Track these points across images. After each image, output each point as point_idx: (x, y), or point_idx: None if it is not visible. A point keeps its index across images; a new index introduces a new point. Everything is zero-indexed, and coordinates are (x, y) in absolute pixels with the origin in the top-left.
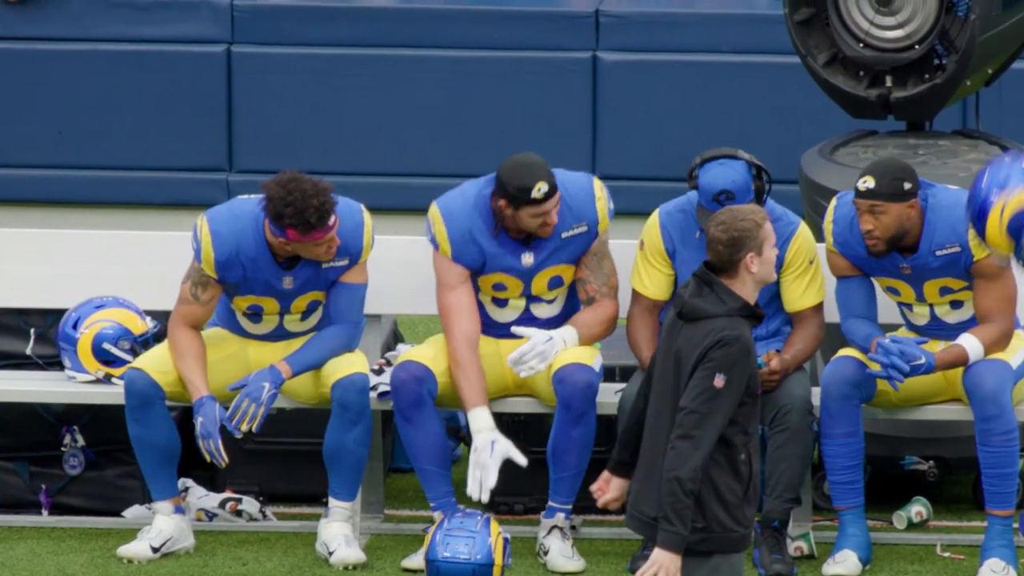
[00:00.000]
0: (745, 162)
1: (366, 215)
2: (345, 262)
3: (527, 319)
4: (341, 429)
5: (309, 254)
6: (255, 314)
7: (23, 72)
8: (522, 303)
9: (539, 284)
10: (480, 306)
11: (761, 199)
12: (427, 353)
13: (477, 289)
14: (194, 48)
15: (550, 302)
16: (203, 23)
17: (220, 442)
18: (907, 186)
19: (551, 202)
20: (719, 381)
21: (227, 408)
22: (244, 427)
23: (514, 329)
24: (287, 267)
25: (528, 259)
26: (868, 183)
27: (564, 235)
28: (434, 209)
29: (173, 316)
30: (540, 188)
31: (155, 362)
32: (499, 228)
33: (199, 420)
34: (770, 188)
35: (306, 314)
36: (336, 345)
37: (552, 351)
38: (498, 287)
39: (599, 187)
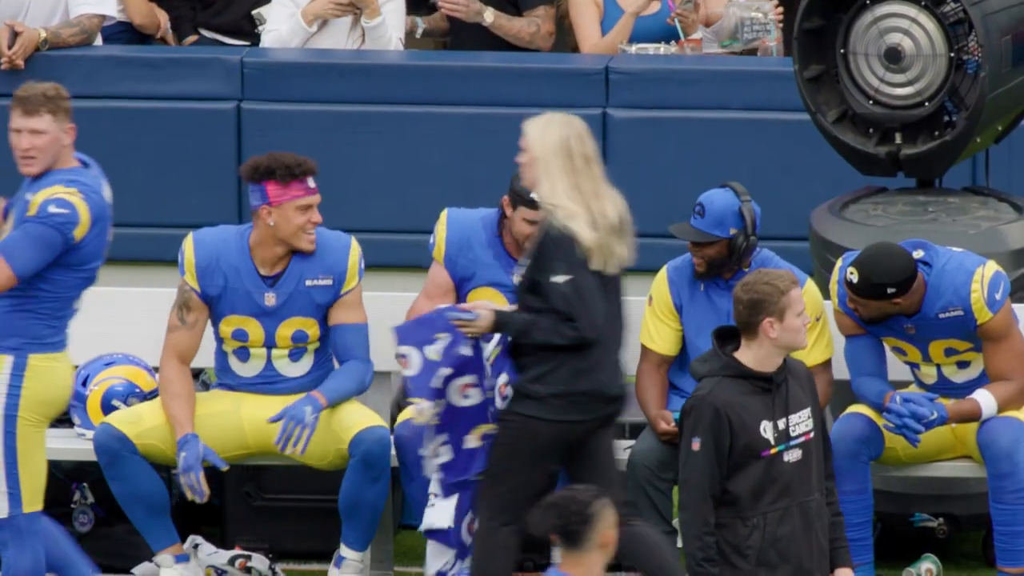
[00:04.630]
0: (733, 192)
1: (354, 242)
2: (329, 281)
3: None
4: (362, 484)
5: (290, 226)
6: (242, 348)
7: None
8: None
9: None
10: None
11: (746, 246)
12: None
13: None
14: (204, 105)
15: None
16: (213, 80)
17: (201, 475)
18: (890, 291)
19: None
20: (695, 444)
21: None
22: (290, 450)
23: None
24: (270, 283)
25: (519, 278)
26: (853, 276)
27: None
28: (443, 213)
29: (163, 351)
30: None
31: (125, 415)
32: (500, 228)
33: (182, 455)
34: (754, 239)
35: (295, 355)
36: (359, 378)
37: None
38: None
39: None
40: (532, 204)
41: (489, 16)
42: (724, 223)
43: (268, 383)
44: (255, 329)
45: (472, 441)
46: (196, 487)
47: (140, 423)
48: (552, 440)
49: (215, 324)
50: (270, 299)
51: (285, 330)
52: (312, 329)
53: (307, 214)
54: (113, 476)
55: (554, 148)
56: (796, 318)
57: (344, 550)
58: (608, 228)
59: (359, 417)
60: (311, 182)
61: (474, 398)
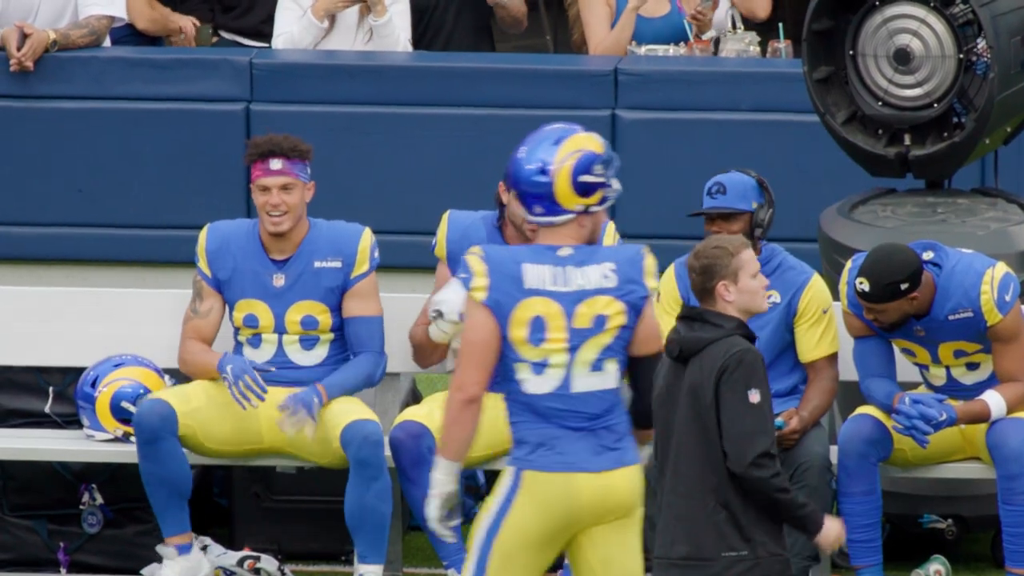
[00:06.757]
0: (753, 178)
1: (368, 230)
2: (338, 264)
3: None
4: (361, 485)
5: (257, 206)
6: (254, 335)
7: (42, 130)
8: None
9: None
10: None
11: (768, 219)
12: (422, 411)
13: None
14: (213, 106)
15: None
16: (222, 81)
17: (256, 375)
18: (904, 287)
19: None
20: (754, 397)
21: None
22: (291, 430)
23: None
24: (279, 266)
25: None
26: (864, 285)
27: None
28: (445, 214)
29: (180, 340)
30: None
31: (175, 391)
32: (501, 222)
33: (228, 368)
34: (771, 218)
35: (307, 343)
36: (366, 372)
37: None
38: None
39: (612, 227)
40: None
41: None
42: (747, 196)
43: (280, 368)
44: (264, 313)
45: None
46: (255, 388)
47: (188, 402)
48: None
49: (230, 312)
50: (278, 280)
51: (294, 314)
52: (323, 316)
53: (265, 195)
54: (147, 455)
55: None
56: (751, 279)
57: (362, 567)
58: None
59: (347, 411)
60: (275, 163)
61: None
